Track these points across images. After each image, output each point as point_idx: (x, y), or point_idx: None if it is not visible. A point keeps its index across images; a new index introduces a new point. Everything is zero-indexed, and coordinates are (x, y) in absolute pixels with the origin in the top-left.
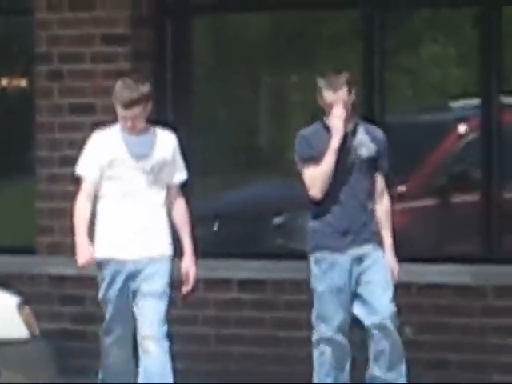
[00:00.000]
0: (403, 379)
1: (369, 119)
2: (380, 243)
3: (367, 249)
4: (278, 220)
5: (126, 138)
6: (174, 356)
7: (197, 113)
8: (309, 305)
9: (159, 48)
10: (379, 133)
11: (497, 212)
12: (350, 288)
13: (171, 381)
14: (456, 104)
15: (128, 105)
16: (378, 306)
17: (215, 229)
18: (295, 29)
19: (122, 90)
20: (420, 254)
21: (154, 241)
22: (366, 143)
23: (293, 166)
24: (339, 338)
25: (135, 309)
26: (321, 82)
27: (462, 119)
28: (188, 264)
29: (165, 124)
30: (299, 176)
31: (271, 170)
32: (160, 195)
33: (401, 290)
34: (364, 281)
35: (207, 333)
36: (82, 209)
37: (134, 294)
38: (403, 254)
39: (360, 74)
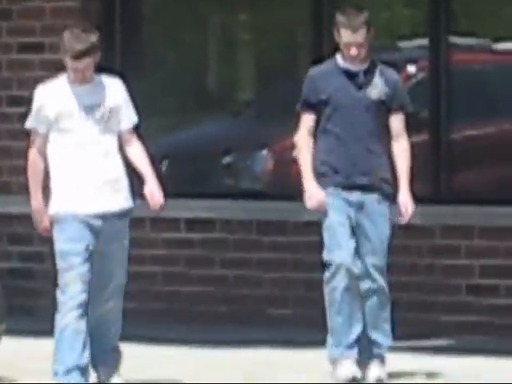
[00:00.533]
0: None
1: (318, 58)
2: (389, 194)
3: (370, 198)
4: (226, 160)
5: (73, 89)
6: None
7: (145, 54)
8: (257, 244)
9: None
10: (393, 75)
11: (445, 152)
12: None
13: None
14: (405, 44)
15: (78, 56)
16: (366, 264)
17: (163, 168)
18: None
19: (71, 41)
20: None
21: (115, 193)
22: (378, 85)
23: (240, 105)
24: (351, 265)
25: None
26: (339, 19)
27: (411, 60)
28: (151, 185)
29: (112, 68)
30: (298, 116)
31: (220, 109)
32: (113, 144)
33: None
34: (360, 233)
35: (155, 271)
36: (34, 165)
37: (95, 251)
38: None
39: (308, 14)
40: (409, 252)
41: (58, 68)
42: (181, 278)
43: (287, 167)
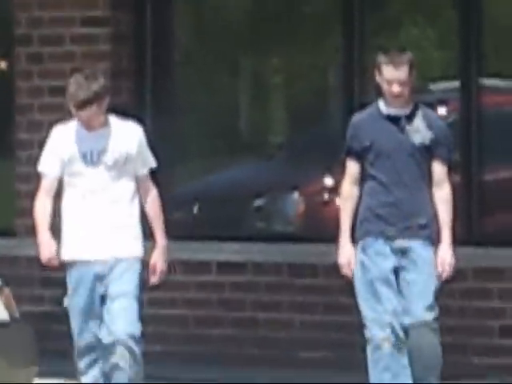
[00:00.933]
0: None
1: (349, 101)
2: (433, 239)
3: (413, 243)
4: (258, 202)
5: (85, 134)
6: (154, 338)
7: (177, 96)
8: (288, 286)
9: (139, 31)
10: (438, 120)
11: (477, 194)
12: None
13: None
14: (436, 86)
15: (80, 105)
16: (413, 309)
17: (195, 211)
18: (275, 10)
19: (74, 89)
20: None
21: (122, 241)
22: (421, 129)
23: (272, 148)
24: (395, 323)
25: (105, 315)
26: (381, 58)
27: (442, 101)
28: (157, 257)
29: (143, 111)
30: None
31: (251, 152)
32: (127, 189)
33: None
34: (402, 278)
35: (187, 314)
36: (41, 206)
37: (103, 299)
38: None
39: (339, 58)
40: (441, 294)
41: None
42: (212, 320)
43: (318, 209)
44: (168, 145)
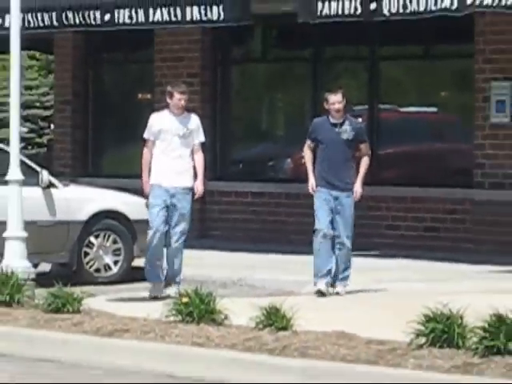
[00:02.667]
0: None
1: (314, 115)
2: (352, 192)
3: (343, 194)
4: (270, 163)
5: (170, 117)
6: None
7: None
8: (283, 204)
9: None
10: (358, 123)
11: (376, 162)
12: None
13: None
14: (357, 107)
15: (181, 92)
16: (339, 231)
17: (240, 167)
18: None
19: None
20: None
21: (182, 177)
22: (347, 130)
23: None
24: (327, 230)
25: (173, 213)
26: (327, 94)
27: (359, 115)
28: (198, 183)
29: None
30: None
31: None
32: (188, 150)
33: None
34: (336, 213)
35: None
36: (144, 157)
37: (168, 207)
38: None
39: (309, 96)
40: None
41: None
42: (253, 216)
43: (301, 168)
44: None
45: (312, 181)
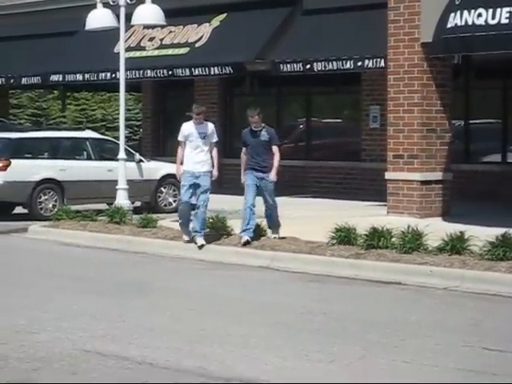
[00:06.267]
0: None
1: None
2: (270, 174)
3: (264, 175)
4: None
5: (195, 126)
6: None
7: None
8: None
9: None
10: (272, 131)
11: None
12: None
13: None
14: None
15: (198, 113)
16: (267, 198)
17: None
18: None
19: (196, 107)
20: None
21: (204, 165)
22: (264, 135)
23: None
24: (253, 207)
25: (198, 191)
26: (248, 111)
27: (301, 125)
28: (214, 170)
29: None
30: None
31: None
32: (207, 147)
33: None
34: (260, 188)
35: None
36: (178, 153)
37: (195, 185)
38: None
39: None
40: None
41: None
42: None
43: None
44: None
45: (243, 173)
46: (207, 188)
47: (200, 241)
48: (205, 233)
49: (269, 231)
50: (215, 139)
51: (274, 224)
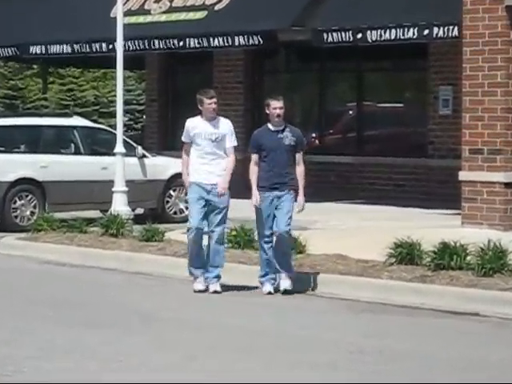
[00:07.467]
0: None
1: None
2: (294, 191)
3: (282, 193)
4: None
5: (203, 122)
6: None
7: None
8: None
9: None
10: (297, 131)
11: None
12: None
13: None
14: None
15: (210, 97)
16: (280, 223)
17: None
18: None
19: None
20: None
21: (217, 177)
22: (288, 136)
23: None
24: (269, 234)
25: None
26: (269, 99)
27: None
28: (220, 182)
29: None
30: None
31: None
32: (220, 153)
33: None
34: (278, 209)
35: None
36: (183, 159)
37: (206, 203)
38: None
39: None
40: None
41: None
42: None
43: None
44: None
45: (255, 191)
46: (223, 208)
47: (214, 287)
48: (225, 249)
49: (283, 283)
50: (233, 143)
51: (287, 268)
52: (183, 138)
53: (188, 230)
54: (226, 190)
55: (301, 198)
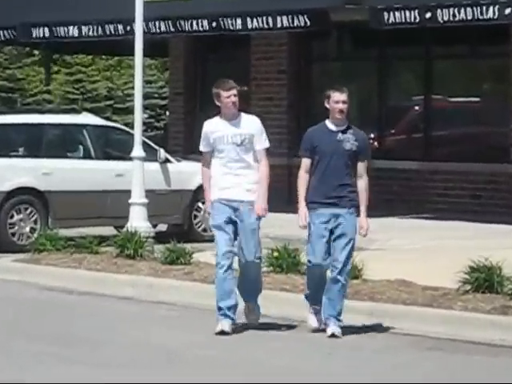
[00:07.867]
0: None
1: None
2: (356, 208)
3: (341, 211)
4: None
5: (224, 123)
6: None
7: None
8: None
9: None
10: (362, 134)
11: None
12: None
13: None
14: None
15: (228, 89)
16: (337, 257)
17: None
18: None
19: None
20: None
21: (244, 191)
22: (350, 139)
23: None
24: (322, 263)
25: (240, 237)
26: (330, 91)
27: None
28: (257, 201)
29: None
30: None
31: None
32: (248, 160)
33: None
34: (335, 234)
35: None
36: (202, 172)
37: (233, 223)
38: None
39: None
40: None
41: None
42: None
43: None
44: None
45: (302, 207)
46: (253, 229)
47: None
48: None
49: (332, 326)
50: (264, 144)
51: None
52: (201, 148)
53: (217, 265)
54: (267, 211)
55: (363, 219)
